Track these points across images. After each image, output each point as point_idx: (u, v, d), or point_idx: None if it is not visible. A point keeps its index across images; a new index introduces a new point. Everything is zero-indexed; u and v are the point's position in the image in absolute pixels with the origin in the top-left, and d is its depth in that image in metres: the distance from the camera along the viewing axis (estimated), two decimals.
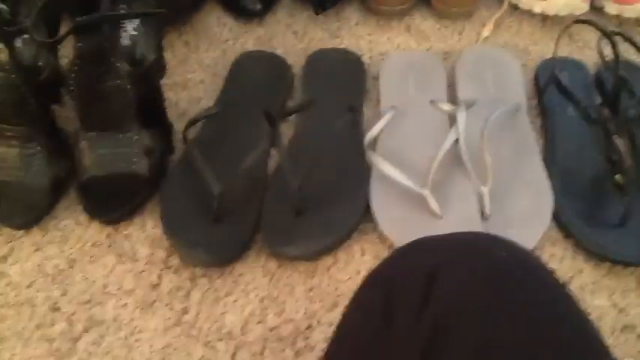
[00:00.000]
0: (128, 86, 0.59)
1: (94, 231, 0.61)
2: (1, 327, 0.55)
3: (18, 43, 0.60)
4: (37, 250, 0.60)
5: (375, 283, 0.38)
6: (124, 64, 0.59)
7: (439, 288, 0.34)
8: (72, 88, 0.59)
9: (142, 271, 0.58)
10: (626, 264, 0.58)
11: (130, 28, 0.63)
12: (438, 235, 0.38)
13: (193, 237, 0.59)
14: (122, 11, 0.62)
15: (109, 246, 0.60)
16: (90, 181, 0.61)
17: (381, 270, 0.39)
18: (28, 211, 0.61)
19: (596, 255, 0.58)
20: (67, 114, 0.69)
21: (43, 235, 0.61)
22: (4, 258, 0.60)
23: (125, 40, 0.63)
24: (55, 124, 0.65)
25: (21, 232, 0.61)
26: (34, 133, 0.61)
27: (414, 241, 0.39)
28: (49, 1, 0.56)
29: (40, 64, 0.60)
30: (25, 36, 0.61)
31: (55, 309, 0.56)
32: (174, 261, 0.59)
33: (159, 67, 0.63)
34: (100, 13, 0.58)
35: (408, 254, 0.38)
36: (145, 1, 0.63)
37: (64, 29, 0.61)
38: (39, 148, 0.62)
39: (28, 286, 0.58)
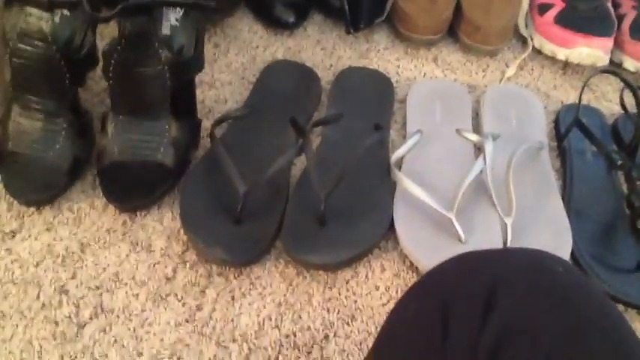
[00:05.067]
0: (167, 74, 0.58)
1: (109, 217, 0.59)
2: (3, 304, 0.53)
3: (56, 18, 0.60)
4: (47, 229, 0.58)
5: (428, 294, 0.37)
6: (166, 52, 0.58)
7: (501, 300, 0.33)
8: (111, 68, 0.57)
9: (157, 262, 0.57)
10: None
11: (173, 18, 0.63)
12: (494, 249, 0.38)
13: (213, 235, 0.57)
14: None
15: (124, 234, 0.58)
16: (113, 166, 0.60)
17: (432, 281, 0.38)
18: (43, 188, 0.59)
19: (611, 297, 0.58)
20: (87, 97, 0.68)
21: (55, 216, 0.59)
22: (12, 234, 0.57)
23: (166, 30, 0.62)
24: (80, 104, 0.64)
25: (32, 209, 0.59)
26: (61, 109, 0.60)
27: (467, 253, 0.39)
28: None
29: (80, 40, 0.59)
30: (65, 12, 0.60)
31: (63, 291, 0.54)
32: (191, 256, 0.58)
33: (198, 61, 0.63)
34: None
35: (464, 267, 0.38)
36: None
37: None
38: (64, 125, 0.60)
39: (36, 265, 0.55)
